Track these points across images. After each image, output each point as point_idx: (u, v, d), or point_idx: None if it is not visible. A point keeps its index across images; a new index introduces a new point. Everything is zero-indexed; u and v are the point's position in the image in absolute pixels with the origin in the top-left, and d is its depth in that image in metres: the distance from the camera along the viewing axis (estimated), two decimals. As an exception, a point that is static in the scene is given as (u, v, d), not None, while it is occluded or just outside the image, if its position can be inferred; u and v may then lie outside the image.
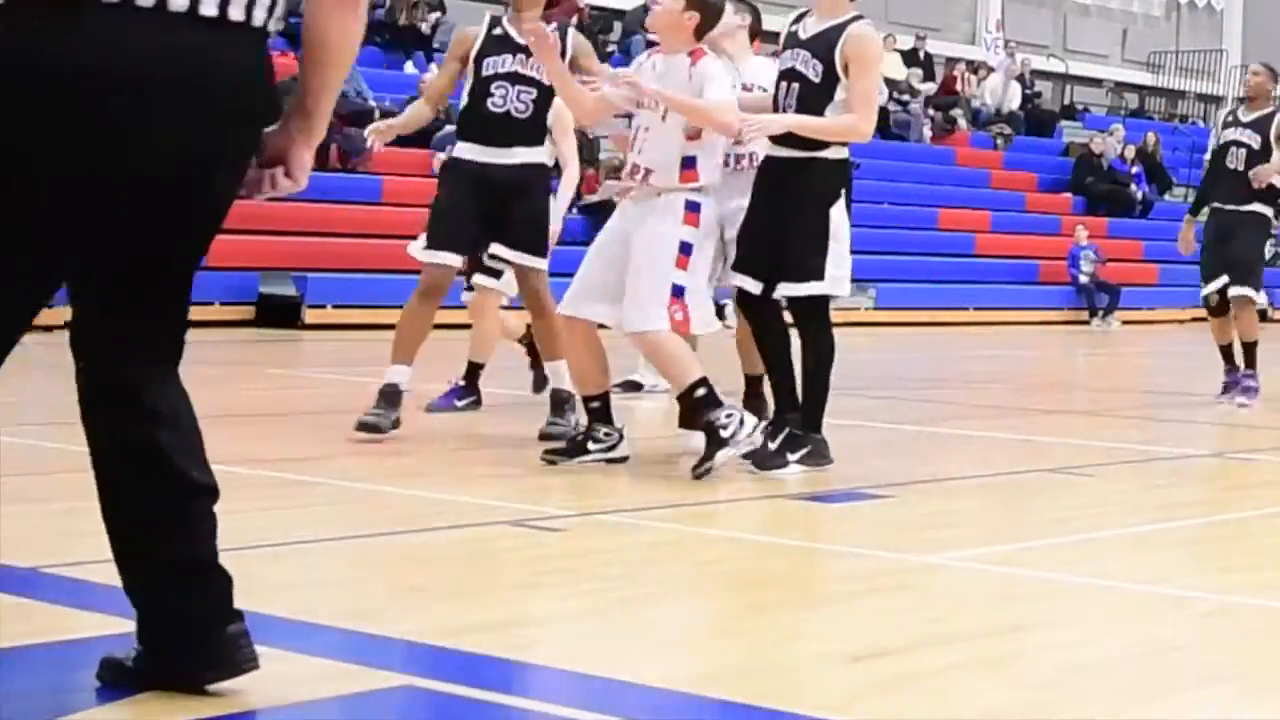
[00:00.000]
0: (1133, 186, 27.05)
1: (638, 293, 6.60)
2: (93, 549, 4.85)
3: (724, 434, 6.56)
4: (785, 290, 6.86)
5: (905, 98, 26.44)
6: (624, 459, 6.90)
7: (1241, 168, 10.84)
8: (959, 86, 28.03)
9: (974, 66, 29.05)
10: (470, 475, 6.82)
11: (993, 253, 24.04)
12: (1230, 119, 11.24)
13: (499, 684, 3.58)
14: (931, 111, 27.03)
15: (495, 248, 7.74)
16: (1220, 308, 10.96)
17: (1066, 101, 31.80)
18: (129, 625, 3.93)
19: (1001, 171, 26.66)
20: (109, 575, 4.50)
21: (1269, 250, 28.49)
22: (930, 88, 27.54)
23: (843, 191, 6.84)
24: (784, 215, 6.84)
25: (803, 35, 6.82)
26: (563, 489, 6.44)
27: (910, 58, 27.72)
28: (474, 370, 8.87)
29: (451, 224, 7.57)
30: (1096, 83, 33.21)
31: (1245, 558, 5.60)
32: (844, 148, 6.88)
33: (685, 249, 6.62)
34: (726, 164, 7.05)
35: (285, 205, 14.59)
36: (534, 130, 7.63)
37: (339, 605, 4.30)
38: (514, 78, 7.56)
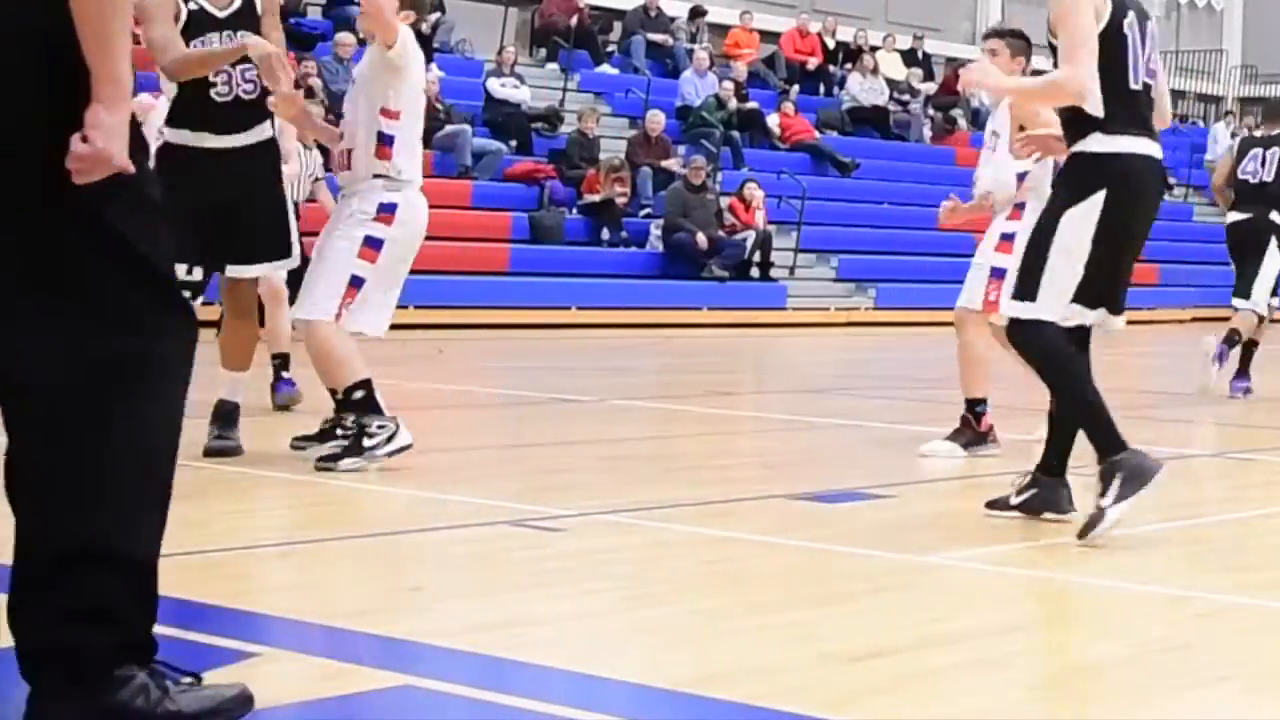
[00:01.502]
0: (1133, 186, 27.01)
1: (313, 282, 6.65)
2: (93, 549, 4.86)
3: (367, 442, 6.52)
4: (1003, 309, 5.83)
5: (905, 98, 26.43)
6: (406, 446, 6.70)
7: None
8: (959, 87, 27.95)
9: (974, 66, 29.01)
10: (470, 475, 6.83)
11: (993, 253, 24.02)
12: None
13: (499, 684, 3.58)
14: (931, 111, 27.01)
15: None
16: None
17: (1066, 101, 31.76)
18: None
19: (1001, 172, 26.61)
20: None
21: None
22: (930, 88, 27.51)
23: (1095, 193, 5.50)
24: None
25: None
26: (563, 489, 6.44)
27: (910, 58, 27.70)
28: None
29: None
30: (1096, 83, 33.16)
31: (1245, 558, 5.59)
32: (1111, 137, 5.55)
33: (371, 243, 6.62)
34: None
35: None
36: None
37: (339, 605, 4.30)
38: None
